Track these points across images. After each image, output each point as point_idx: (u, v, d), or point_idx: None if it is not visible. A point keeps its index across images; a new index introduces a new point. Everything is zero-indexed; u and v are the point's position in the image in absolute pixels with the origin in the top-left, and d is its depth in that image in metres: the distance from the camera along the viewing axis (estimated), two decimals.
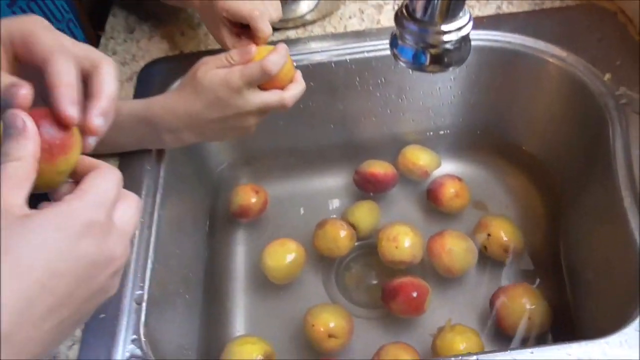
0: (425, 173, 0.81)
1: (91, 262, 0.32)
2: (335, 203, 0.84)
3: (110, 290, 0.35)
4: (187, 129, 0.60)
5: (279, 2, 0.65)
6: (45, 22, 0.39)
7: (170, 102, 0.59)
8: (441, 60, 0.33)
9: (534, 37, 0.74)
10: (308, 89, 0.78)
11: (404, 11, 0.32)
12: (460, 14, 0.31)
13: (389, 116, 0.84)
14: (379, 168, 0.81)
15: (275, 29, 0.78)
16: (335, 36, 0.78)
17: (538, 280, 0.72)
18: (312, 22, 0.81)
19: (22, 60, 0.38)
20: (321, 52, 0.77)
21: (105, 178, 0.35)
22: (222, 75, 0.55)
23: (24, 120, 0.33)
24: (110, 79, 0.39)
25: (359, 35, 0.78)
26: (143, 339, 0.52)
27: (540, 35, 0.74)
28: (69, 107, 0.36)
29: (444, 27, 0.31)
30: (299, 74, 0.60)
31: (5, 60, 0.38)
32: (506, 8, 0.79)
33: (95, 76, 0.39)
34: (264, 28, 0.60)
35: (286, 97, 0.57)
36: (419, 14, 0.31)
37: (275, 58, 0.55)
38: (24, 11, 0.70)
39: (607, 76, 0.69)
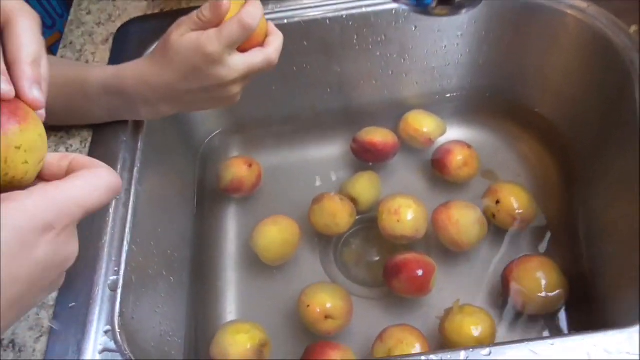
0: (429, 141, 0.75)
1: (46, 266, 0.29)
2: (332, 174, 0.77)
3: (59, 284, 0.32)
4: (163, 101, 0.53)
5: None
6: None
7: (143, 71, 0.52)
8: (451, 0, 0.26)
9: None
10: (301, 50, 0.72)
11: None
12: None
13: (390, 78, 0.77)
14: (378, 136, 0.74)
15: None
16: None
17: (552, 253, 0.67)
18: None
19: None
20: (314, 7, 0.69)
21: (89, 182, 0.31)
22: (196, 40, 0.47)
23: None
24: (27, 37, 0.32)
25: None
26: (118, 329, 0.47)
27: None
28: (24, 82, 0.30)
29: None
30: (272, 25, 0.52)
31: None
32: None
33: (9, 36, 0.32)
34: None
35: (270, 53, 0.50)
36: None
37: (252, 9, 0.47)
38: None
39: (633, 28, 0.61)
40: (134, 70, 0.52)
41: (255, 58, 0.49)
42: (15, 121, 0.30)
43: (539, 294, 0.60)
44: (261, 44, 0.50)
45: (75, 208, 0.30)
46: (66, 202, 0.29)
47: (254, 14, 0.47)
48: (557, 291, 0.60)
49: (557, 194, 0.72)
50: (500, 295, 0.63)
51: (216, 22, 0.48)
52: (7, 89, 0.30)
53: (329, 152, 0.79)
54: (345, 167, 0.78)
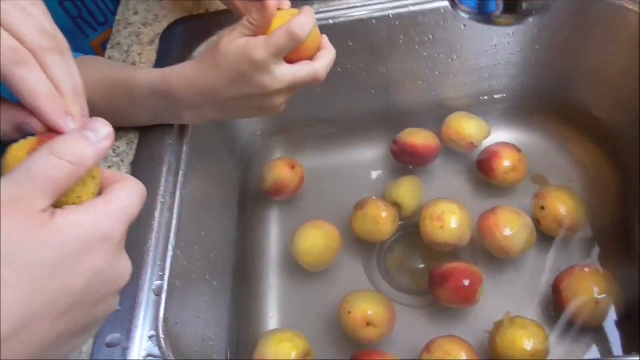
0: (470, 145, 0.72)
1: (102, 279, 0.29)
2: (372, 176, 0.76)
3: (112, 307, 0.33)
4: (208, 105, 0.52)
5: None
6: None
7: (189, 75, 0.51)
8: (517, 7, 0.24)
9: None
10: (347, 51, 0.71)
11: None
12: None
13: (437, 79, 0.75)
14: (419, 138, 0.72)
15: None
16: None
17: (605, 263, 0.64)
18: None
19: None
20: (360, 7, 0.68)
21: (130, 192, 0.31)
22: (244, 46, 0.46)
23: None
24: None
25: None
26: (162, 335, 0.47)
27: None
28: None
29: None
30: (326, 40, 0.51)
31: None
32: None
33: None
34: None
35: (319, 69, 0.49)
36: None
37: (303, 20, 0.46)
38: None
39: None
40: (179, 74, 0.52)
41: (302, 71, 0.48)
42: None
43: (591, 305, 0.57)
44: (312, 57, 0.49)
45: (126, 217, 0.30)
46: (119, 213, 0.30)
47: (304, 24, 0.45)
48: (610, 303, 0.57)
49: (612, 202, 0.69)
50: (551, 305, 0.61)
51: (265, 24, 0.47)
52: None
53: (371, 154, 0.78)
54: (386, 169, 0.76)
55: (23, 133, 0.33)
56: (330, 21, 0.68)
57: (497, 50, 0.72)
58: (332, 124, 0.78)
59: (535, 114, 0.76)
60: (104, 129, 0.30)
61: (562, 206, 0.64)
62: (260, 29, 0.48)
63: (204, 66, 0.50)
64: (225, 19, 0.70)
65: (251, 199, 0.76)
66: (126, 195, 0.31)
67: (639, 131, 0.68)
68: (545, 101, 0.75)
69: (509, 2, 0.25)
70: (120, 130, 0.62)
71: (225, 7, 0.72)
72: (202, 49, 0.68)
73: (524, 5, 0.25)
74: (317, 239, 0.66)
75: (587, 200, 0.66)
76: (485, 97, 0.76)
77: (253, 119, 0.78)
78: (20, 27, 0.31)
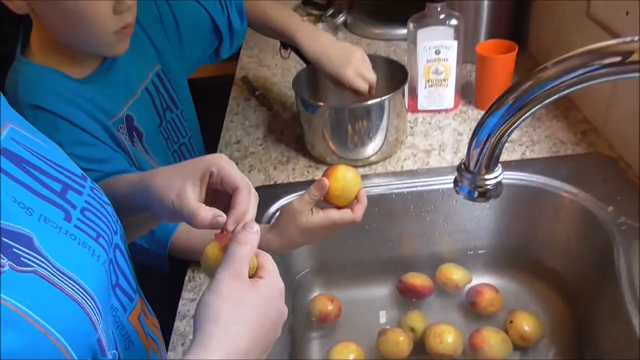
0: (456, 287, 0.99)
1: (279, 318, 0.52)
2: (386, 307, 1.01)
3: (279, 335, 0.53)
4: (282, 249, 0.79)
5: (370, 66, 1.01)
6: (227, 158, 0.60)
7: (267, 237, 0.78)
8: (485, 195, 0.53)
9: (552, 178, 0.95)
10: (372, 214, 1.00)
11: (462, 166, 0.54)
12: (496, 169, 0.52)
13: (436, 237, 1.03)
14: (418, 280, 0.99)
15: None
16: (394, 174, 1.01)
17: None
18: (376, 162, 1.04)
19: (214, 184, 0.59)
20: (384, 185, 0.99)
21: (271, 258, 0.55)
22: (320, 222, 0.75)
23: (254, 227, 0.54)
24: (252, 204, 0.58)
25: (413, 173, 1.01)
26: None
27: (557, 176, 0.95)
28: (231, 225, 0.56)
29: (486, 176, 0.52)
30: (363, 196, 0.77)
31: (203, 186, 0.60)
32: (529, 154, 1.02)
33: (237, 195, 0.58)
34: (360, 85, 0.97)
35: (356, 217, 0.76)
36: (471, 168, 0.53)
37: (360, 210, 0.75)
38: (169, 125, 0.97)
39: (610, 209, 0.88)
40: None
41: (344, 217, 0.75)
42: None
43: None
44: (354, 199, 0.76)
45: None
46: (276, 273, 0.53)
47: (360, 211, 0.76)
48: None
49: (566, 325, 0.93)
50: None
51: (321, 196, 0.75)
52: (231, 230, 0.56)
53: (383, 290, 1.03)
54: (394, 301, 1.01)
55: (215, 227, 0.55)
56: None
57: (479, 219, 1.02)
58: (359, 266, 1.05)
59: (508, 264, 1.03)
60: (255, 226, 0.54)
61: (525, 322, 0.89)
62: (318, 200, 0.75)
63: (286, 235, 0.77)
64: (288, 188, 1.00)
65: (300, 324, 0.99)
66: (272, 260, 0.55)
67: (579, 278, 0.95)
68: (514, 256, 1.03)
69: (480, 193, 0.54)
70: None
71: (288, 180, 1.03)
72: (272, 210, 0.96)
73: (487, 194, 0.53)
74: (347, 355, 0.89)
75: (548, 324, 0.91)
76: (471, 252, 1.05)
77: (300, 258, 1.04)
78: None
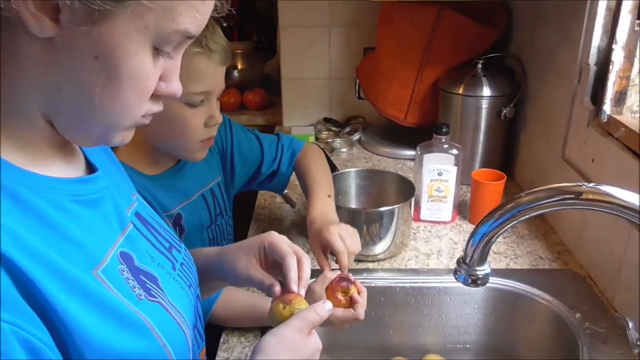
0: None
1: (313, 353, 0.68)
2: None
3: None
4: None
5: (359, 242, 1.05)
6: (277, 234, 0.78)
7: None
8: (476, 282, 0.72)
9: (531, 286, 1.14)
10: (378, 304, 1.17)
11: (461, 260, 0.73)
12: (485, 264, 0.72)
13: (431, 329, 1.20)
14: None
15: (359, 261, 1.21)
16: (399, 270, 1.20)
17: None
18: (384, 259, 1.23)
19: (268, 256, 0.78)
20: (389, 279, 1.17)
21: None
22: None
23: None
24: (308, 268, 0.77)
25: (415, 271, 1.19)
26: None
27: (535, 285, 1.14)
28: (293, 286, 0.75)
29: (478, 268, 0.72)
30: (364, 297, 0.91)
31: (259, 258, 0.78)
32: (513, 265, 1.21)
33: (301, 264, 0.76)
34: (343, 261, 0.99)
35: (359, 316, 0.90)
36: (467, 261, 0.72)
37: (362, 310, 0.90)
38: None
39: (578, 315, 1.06)
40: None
41: (347, 316, 0.90)
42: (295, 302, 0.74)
43: None
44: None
45: (315, 318, 0.69)
46: (315, 317, 0.69)
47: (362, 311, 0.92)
48: None
49: None
50: None
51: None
52: (295, 289, 0.74)
53: None
54: None
55: (270, 293, 0.73)
56: (372, 284, 1.16)
57: (468, 316, 1.19)
58: (366, 349, 1.20)
59: (492, 358, 1.19)
60: (330, 305, 0.72)
61: None
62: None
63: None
64: None
65: None
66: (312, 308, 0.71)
67: None
68: (498, 351, 1.19)
69: (473, 280, 0.73)
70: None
71: None
72: None
73: (478, 282, 0.73)
74: None
75: None
76: (460, 345, 1.20)
77: None
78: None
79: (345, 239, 1.02)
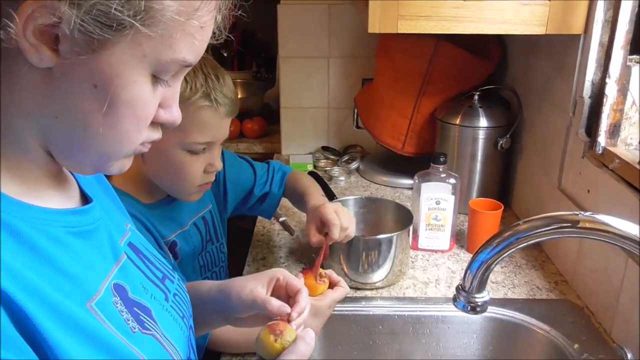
0: None
1: None
2: None
3: None
4: None
5: (354, 224, 1.10)
6: (287, 272, 0.80)
7: None
8: (475, 309, 0.73)
9: (529, 316, 1.14)
10: (376, 332, 1.17)
11: (460, 287, 0.74)
12: (484, 292, 0.72)
13: (429, 358, 1.19)
14: None
15: (357, 289, 1.21)
16: (397, 298, 1.20)
17: None
18: (382, 287, 1.23)
19: (276, 290, 0.79)
20: (388, 307, 1.17)
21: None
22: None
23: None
24: (306, 300, 0.78)
25: (413, 300, 1.20)
26: None
27: (533, 315, 1.14)
28: (295, 315, 0.75)
29: (477, 295, 0.72)
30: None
31: (270, 288, 0.78)
32: (511, 295, 1.21)
33: (299, 295, 0.77)
34: (334, 233, 1.03)
35: (346, 287, 0.96)
36: (466, 288, 0.73)
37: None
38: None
39: (576, 346, 1.06)
40: None
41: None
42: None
43: None
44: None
45: (307, 348, 0.68)
46: (307, 347, 0.69)
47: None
48: None
49: None
50: None
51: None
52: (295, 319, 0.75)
53: None
54: None
55: (280, 314, 0.72)
56: (370, 312, 1.16)
57: (466, 345, 1.19)
58: None
59: None
60: (312, 332, 0.72)
61: None
62: None
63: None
64: None
65: None
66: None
67: None
68: None
69: (472, 307, 0.74)
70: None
71: None
72: None
73: (477, 309, 0.73)
74: None
75: None
76: None
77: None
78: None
79: (341, 215, 1.07)
